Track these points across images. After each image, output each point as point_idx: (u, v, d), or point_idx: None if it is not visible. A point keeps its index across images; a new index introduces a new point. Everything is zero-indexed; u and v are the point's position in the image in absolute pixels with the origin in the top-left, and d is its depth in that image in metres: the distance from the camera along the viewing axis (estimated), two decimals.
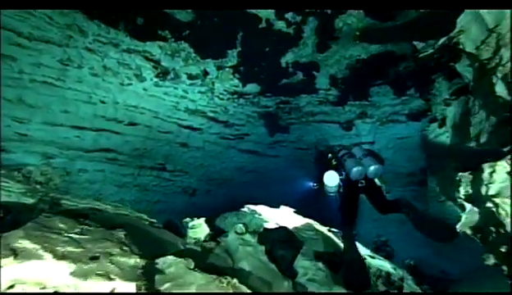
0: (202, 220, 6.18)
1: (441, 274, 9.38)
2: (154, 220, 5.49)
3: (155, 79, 7.90)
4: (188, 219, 6.26)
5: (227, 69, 7.99)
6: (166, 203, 11.84)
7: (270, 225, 5.33)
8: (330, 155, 4.53)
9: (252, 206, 5.86)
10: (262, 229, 4.99)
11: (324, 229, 5.89)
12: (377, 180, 4.30)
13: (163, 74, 7.88)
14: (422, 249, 10.22)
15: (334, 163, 4.39)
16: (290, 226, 5.41)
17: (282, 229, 4.90)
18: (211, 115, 9.34)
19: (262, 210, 5.82)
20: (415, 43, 4.44)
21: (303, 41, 7.27)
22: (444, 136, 7.49)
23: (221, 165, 11.37)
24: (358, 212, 4.56)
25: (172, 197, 11.84)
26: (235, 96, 8.89)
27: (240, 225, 4.86)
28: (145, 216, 5.48)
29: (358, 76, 8.42)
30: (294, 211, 6.08)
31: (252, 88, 8.71)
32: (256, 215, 5.64)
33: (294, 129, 10.47)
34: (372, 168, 4.00)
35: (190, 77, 8.16)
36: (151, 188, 10.25)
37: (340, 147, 4.69)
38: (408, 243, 10.44)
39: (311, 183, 5.42)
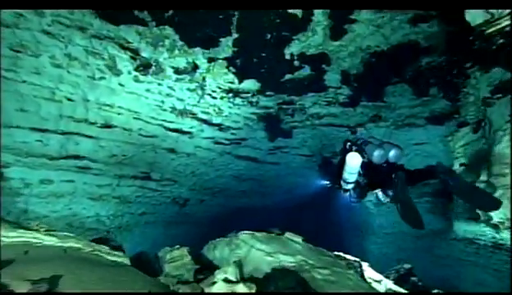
0: (185, 249, 4.70)
1: None
2: (119, 253, 4.04)
3: (134, 73, 6.45)
4: (167, 248, 4.79)
5: (220, 61, 6.53)
6: (155, 215, 10.37)
7: (273, 263, 3.88)
8: (349, 143, 4.33)
9: (247, 234, 4.39)
10: (262, 274, 3.54)
11: (342, 264, 4.44)
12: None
13: (144, 67, 6.43)
14: (444, 269, 8.81)
15: (354, 149, 4.16)
16: (299, 261, 3.97)
17: (289, 274, 3.45)
18: (202, 116, 7.88)
19: (263, 238, 4.36)
20: (492, 10, 3.08)
21: (312, 27, 5.85)
22: (479, 143, 6.10)
23: (216, 172, 9.90)
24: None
25: (161, 209, 10.37)
26: (231, 94, 7.44)
27: (232, 269, 3.41)
28: (106, 248, 4.00)
29: (373, 72, 7.01)
30: (303, 239, 4.65)
31: (250, 84, 7.26)
32: (255, 246, 4.18)
33: (297, 133, 9.04)
34: (393, 151, 3.94)
35: (177, 71, 6.72)
36: (134, 200, 8.77)
37: (356, 137, 4.56)
38: (428, 262, 9.03)
39: (324, 182, 5.67)
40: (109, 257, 3.79)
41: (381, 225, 9.41)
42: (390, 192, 4.04)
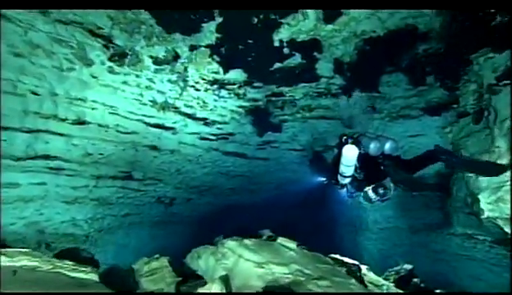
0: (165, 260, 4.15)
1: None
2: (86, 268, 3.46)
3: (108, 64, 5.79)
4: (144, 259, 4.22)
5: (203, 49, 5.93)
6: (140, 215, 9.74)
7: (264, 275, 3.36)
8: (345, 137, 4.22)
9: (234, 242, 3.85)
10: (252, 289, 3.02)
11: (342, 272, 3.96)
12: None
13: (119, 56, 5.78)
14: (440, 264, 8.48)
15: (350, 142, 4.08)
16: (294, 272, 3.46)
17: (284, 290, 2.94)
18: (186, 110, 7.27)
19: (252, 246, 3.83)
20: None
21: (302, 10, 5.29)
22: (482, 134, 5.69)
23: (203, 170, 9.32)
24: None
25: (146, 209, 9.75)
26: (215, 86, 6.83)
27: (218, 285, 2.87)
28: (70, 264, 3.42)
29: (368, 60, 6.51)
30: (298, 244, 4.15)
31: (236, 75, 6.67)
32: (244, 256, 3.66)
33: (287, 127, 8.52)
34: (388, 143, 3.97)
35: (156, 61, 6.08)
36: (116, 201, 8.12)
37: (352, 132, 4.52)
38: (424, 257, 8.70)
39: (319, 178, 5.90)
40: (72, 274, 3.21)
41: (375, 221, 9.02)
42: (381, 190, 4.03)
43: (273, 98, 7.54)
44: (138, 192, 8.54)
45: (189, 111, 7.31)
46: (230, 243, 3.83)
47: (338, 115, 7.97)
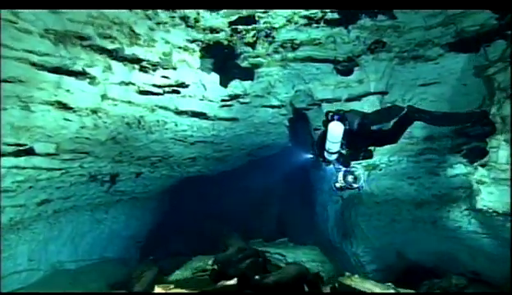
0: None
1: None
2: None
3: None
4: None
5: None
6: (70, 199, 7.13)
7: None
8: (330, 114, 4.12)
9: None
10: None
11: None
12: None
13: None
14: (449, 242, 6.78)
15: (336, 119, 4.03)
16: None
17: None
18: (105, 45, 4.50)
19: None
20: None
21: None
22: None
23: (149, 136, 6.67)
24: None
25: (79, 190, 7.14)
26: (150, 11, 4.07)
27: None
28: None
29: None
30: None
31: None
32: None
33: (260, 73, 5.98)
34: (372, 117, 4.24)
35: None
36: (16, 188, 5.41)
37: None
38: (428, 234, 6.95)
39: (308, 155, 6.17)
40: None
41: (371, 193, 7.07)
42: (350, 178, 4.38)
43: (240, 28, 4.89)
44: (53, 172, 5.83)
45: (110, 45, 4.53)
46: None
47: (333, 55, 5.52)
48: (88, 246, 8.36)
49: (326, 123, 4.12)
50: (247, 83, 5.95)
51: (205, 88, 5.92)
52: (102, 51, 4.46)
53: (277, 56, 5.57)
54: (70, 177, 6.44)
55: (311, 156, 5.02)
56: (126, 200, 9.13)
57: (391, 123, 4.47)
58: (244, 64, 5.61)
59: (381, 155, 6.84)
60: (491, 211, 5.47)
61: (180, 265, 6.70)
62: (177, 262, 8.14)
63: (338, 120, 3.97)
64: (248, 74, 5.74)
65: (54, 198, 6.55)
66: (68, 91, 4.71)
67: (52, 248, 7.08)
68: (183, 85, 5.71)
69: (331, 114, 4.14)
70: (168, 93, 5.79)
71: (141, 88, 5.49)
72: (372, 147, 4.47)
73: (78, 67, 4.48)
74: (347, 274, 4.99)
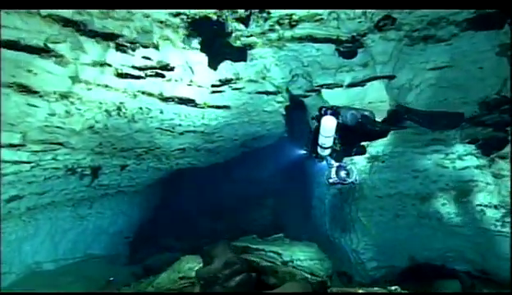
0: None
1: None
2: None
3: None
4: None
5: None
6: (47, 195, 6.46)
7: None
8: (324, 108, 4.07)
9: None
10: None
11: None
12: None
13: None
14: (456, 238, 6.30)
15: (329, 113, 3.98)
16: None
17: None
18: (76, 18, 3.80)
19: None
20: None
21: None
22: None
23: (133, 125, 6.00)
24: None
25: (56, 185, 6.47)
26: None
27: None
28: None
29: None
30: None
31: None
32: None
33: (254, 55, 5.32)
34: (366, 114, 4.07)
35: None
36: None
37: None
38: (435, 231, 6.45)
39: (301, 151, 5.85)
40: None
41: (373, 187, 6.54)
42: (343, 174, 4.21)
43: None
44: (21, 165, 5.16)
45: (77, 16, 3.82)
46: None
47: (335, 34, 4.87)
48: (70, 243, 7.73)
49: (319, 117, 4.08)
50: (239, 66, 5.28)
51: (193, 72, 5.25)
52: (66, 23, 3.75)
53: (273, 35, 4.91)
54: (43, 171, 5.76)
55: (304, 152, 4.73)
56: (112, 194, 8.48)
57: (380, 120, 4.44)
58: (236, 44, 4.93)
59: (384, 145, 6.28)
60: (508, 207, 4.97)
61: (168, 263, 6.15)
62: (166, 259, 7.65)
63: (331, 114, 3.96)
64: (240, 55, 5.07)
65: (26, 194, 5.88)
66: (30, 71, 4.01)
67: (27, 248, 6.44)
68: (167, 68, 5.03)
69: (324, 108, 4.12)
70: (151, 76, 5.11)
71: (119, 71, 4.81)
72: (365, 143, 4.56)
73: (39, 42, 3.77)
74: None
